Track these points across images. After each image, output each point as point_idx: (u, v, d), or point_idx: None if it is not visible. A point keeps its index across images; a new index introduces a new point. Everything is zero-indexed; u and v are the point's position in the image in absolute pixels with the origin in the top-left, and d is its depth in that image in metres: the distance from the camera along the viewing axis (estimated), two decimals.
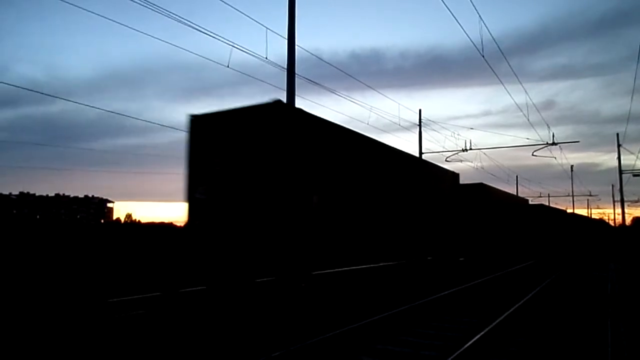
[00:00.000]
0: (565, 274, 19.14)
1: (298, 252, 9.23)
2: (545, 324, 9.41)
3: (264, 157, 9.06)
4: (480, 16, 13.76)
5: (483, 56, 14.73)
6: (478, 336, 7.43)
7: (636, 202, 56.02)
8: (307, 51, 16.11)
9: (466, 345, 6.83)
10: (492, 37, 15.25)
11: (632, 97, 39.87)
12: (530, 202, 36.73)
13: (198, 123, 10.09)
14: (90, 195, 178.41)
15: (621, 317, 9.12)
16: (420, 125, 30.26)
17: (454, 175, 19.33)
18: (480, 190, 22.73)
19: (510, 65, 18.35)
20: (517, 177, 57.50)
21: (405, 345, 7.41)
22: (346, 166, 11.17)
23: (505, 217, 26.27)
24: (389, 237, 12.56)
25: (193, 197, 9.86)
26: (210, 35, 12.53)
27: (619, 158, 35.84)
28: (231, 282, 9.23)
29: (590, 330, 8.68)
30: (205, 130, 9.93)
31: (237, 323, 8.07)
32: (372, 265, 12.17)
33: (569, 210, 58.18)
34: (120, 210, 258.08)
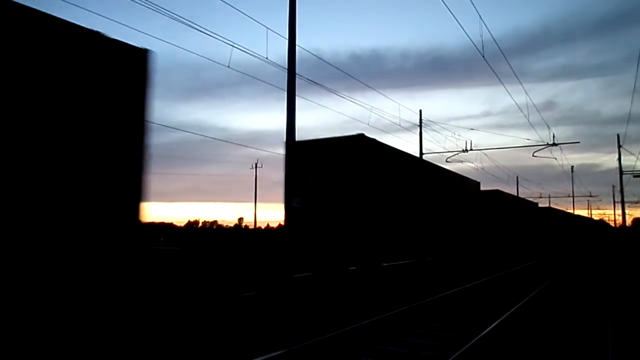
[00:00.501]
0: (567, 274, 19.19)
1: (370, 249, 11.98)
2: (547, 324, 9.39)
3: (347, 177, 11.79)
4: (480, 17, 13.76)
5: (483, 56, 14.72)
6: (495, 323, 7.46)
7: (636, 203, 56.05)
8: (307, 51, 16.11)
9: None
10: (493, 37, 15.26)
11: (632, 98, 39.82)
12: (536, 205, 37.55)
13: (294, 148, 12.68)
14: None
15: (622, 319, 9.10)
16: (420, 126, 30.26)
17: (477, 184, 22.02)
18: (496, 196, 25.23)
19: (510, 66, 18.35)
20: (517, 177, 57.58)
21: (454, 312, 10.40)
22: (402, 182, 13.93)
23: (517, 220, 28.45)
24: (429, 238, 15.43)
25: (290, 206, 12.35)
26: (211, 36, 12.53)
27: (619, 159, 35.88)
28: (331, 269, 11.75)
29: (590, 332, 8.66)
30: (300, 154, 12.50)
31: (339, 296, 10.95)
32: (413, 261, 14.59)
33: (569, 211, 58.23)
34: None
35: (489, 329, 7.89)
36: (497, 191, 25.72)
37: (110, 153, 5.41)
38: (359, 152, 11.87)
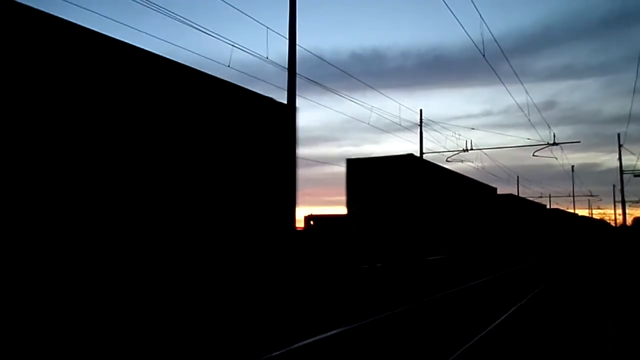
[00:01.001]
0: (567, 273, 19.25)
1: (416, 246, 14.78)
2: (548, 323, 9.40)
3: (398, 188, 14.74)
4: (481, 16, 13.76)
5: (484, 56, 14.73)
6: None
7: (637, 202, 56.09)
8: (308, 51, 16.12)
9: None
10: (493, 37, 15.25)
11: (632, 98, 39.79)
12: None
13: (353, 164, 15.75)
14: None
15: (622, 319, 9.11)
16: (421, 125, 30.26)
17: (494, 190, 25.25)
18: (511, 200, 28.28)
19: (511, 65, 18.35)
20: (517, 177, 57.58)
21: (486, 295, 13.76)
22: (439, 191, 16.84)
23: (528, 220, 31.22)
24: (457, 237, 18.45)
25: (351, 210, 15.33)
26: (211, 35, 12.54)
27: (619, 158, 35.88)
28: (396, 261, 14.31)
29: (591, 331, 8.67)
30: (359, 169, 15.50)
31: (404, 280, 14.05)
32: (445, 256, 17.14)
33: (574, 212, 58.28)
34: None
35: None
36: (511, 195, 28.82)
37: (280, 176, 8.07)
38: (407, 168, 14.92)
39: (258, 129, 7.67)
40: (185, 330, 6.06)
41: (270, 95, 8.08)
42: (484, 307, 11.67)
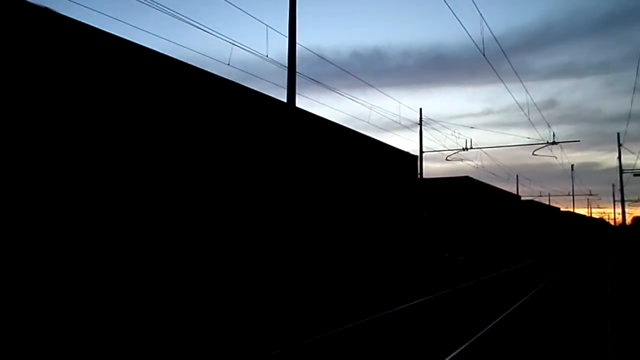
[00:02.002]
0: (568, 272, 19.36)
1: (468, 244, 19.62)
2: (548, 321, 9.41)
3: (456, 205, 20.42)
4: (481, 15, 13.72)
5: (484, 55, 14.70)
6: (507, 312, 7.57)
7: (636, 201, 56.09)
8: (308, 49, 16.10)
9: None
10: (494, 35, 15.22)
11: (632, 96, 39.77)
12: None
13: (424, 182, 21.34)
14: None
15: (621, 317, 9.11)
16: (420, 124, 30.23)
17: (519, 197, 30.12)
18: (530, 205, 32.33)
19: (511, 64, 18.33)
20: (517, 176, 57.58)
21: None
22: (489, 206, 22.87)
23: (542, 222, 35.09)
24: (493, 238, 23.23)
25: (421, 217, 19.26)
26: (211, 34, 12.51)
27: (619, 157, 35.83)
28: (458, 253, 19.66)
29: (590, 329, 8.67)
30: (427, 186, 21.32)
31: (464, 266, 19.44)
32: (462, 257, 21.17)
33: (582, 214, 58.42)
34: None
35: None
36: (531, 201, 33.53)
37: (411, 210, 13.62)
38: (464, 189, 20.45)
39: (398, 172, 12.98)
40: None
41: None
42: (522, 285, 15.78)
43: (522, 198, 41.66)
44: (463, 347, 6.94)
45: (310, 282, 8.84)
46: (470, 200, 20.34)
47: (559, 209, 43.39)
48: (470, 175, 22.60)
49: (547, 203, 52.22)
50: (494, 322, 8.71)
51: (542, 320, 9.72)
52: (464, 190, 20.52)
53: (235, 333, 6.98)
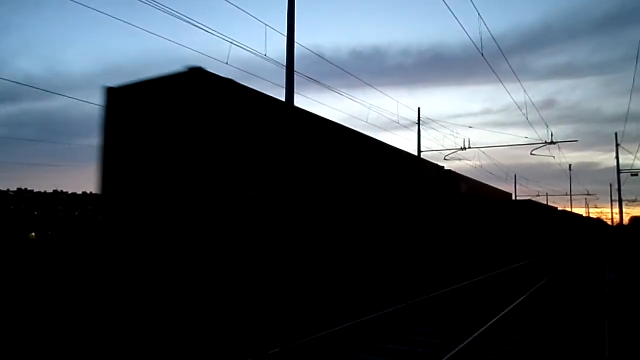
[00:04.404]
0: (565, 272, 19.42)
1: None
2: (545, 321, 9.44)
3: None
4: (479, 14, 13.73)
5: (482, 54, 14.71)
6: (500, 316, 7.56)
7: (634, 201, 56.20)
8: (307, 48, 16.07)
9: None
10: (492, 35, 15.24)
11: (630, 96, 39.88)
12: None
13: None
14: (88, 192, 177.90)
15: (618, 318, 9.14)
16: (419, 124, 30.24)
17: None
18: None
19: (509, 64, 18.35)
20: (515, 175, 57.64)
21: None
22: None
23: (541, 221, 34.68)
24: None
25: None
26: (209, 32, 12.49)
27: (617, 157, 35.89)
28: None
29: (588, 330, 8.70)
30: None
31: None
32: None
33: (567, 209, 58.53)
34: None
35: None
36: (529, 201, 34.67)
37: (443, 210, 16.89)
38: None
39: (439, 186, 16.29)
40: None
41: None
42: (516, 286, 15.51)
43: (520, 197, 42.25)
44: (463, 344, 6.95)
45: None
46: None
47: (556, 208, 43.53)
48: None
49: (545, 202, 52.34)
50: (492, 321, 8.72)
51: (539, 319, 9.74)
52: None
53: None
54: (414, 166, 14.40)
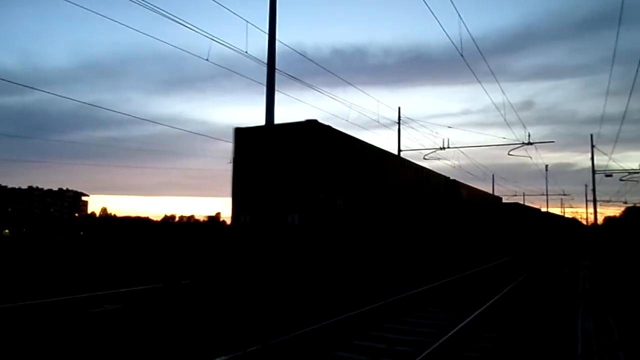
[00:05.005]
0: (541, 270, 19.82)
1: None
2: (522, 317, 9.60)
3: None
4: (460, 16, 13.88)
5: (462, 55, 14.87)
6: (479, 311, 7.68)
7: (608, 201, 57.42)
8: (288, 46, 16.04)
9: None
10: (471, 36, 15.41)
11: (606, 98, 40.70)
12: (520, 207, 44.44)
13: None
14: (64, 189, 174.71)
15: (591, 314, 9.34)
16: (399, 123, 30.45)
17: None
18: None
19: (489, 66, 18.58)
20: (493, 175, 58.47)
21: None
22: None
23: (526, 222, 37.81)
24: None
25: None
26: (189, 28, 12.37)
27: (592, 158, 36.66)
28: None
29: (561, 325, 8.88)
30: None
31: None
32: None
33: (543, 209, 59.61)
34: (95, 203, 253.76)
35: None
36: (517, 204, 38.57)
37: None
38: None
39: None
40: None
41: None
42: (495, 283, 16.03)
43: (487, 192, 43.41)
44: (453, 331, 7.03)
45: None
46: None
47: (539, 210, 44.39)
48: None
49: (523, 202, 53.23)
50: (471, 317, 8.83)
51: (517, 313, 9.92)
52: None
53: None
54: (431, 178, 18.72)
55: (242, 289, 10.65)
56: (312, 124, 10.86)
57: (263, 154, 11.37)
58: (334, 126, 11.62)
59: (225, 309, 9.73)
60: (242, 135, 11.78)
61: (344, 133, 11.90)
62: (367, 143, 13.21)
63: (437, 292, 13.05)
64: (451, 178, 21.42)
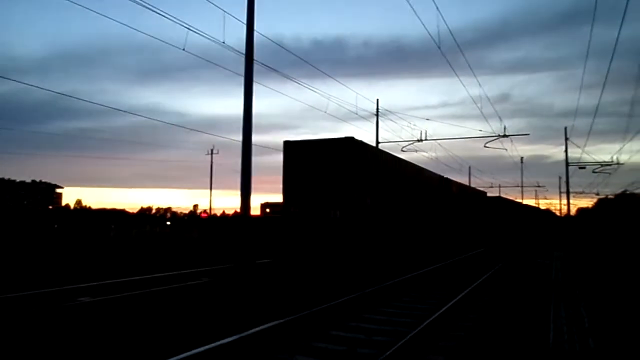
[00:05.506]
0: (515, 261, 20.16)
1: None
2: (496, 306, 9.79)
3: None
4: (437, 8, 13.96)
5: (439, 48, 14.97)
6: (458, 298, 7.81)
7: (581, 193, 58.75)
8: (266, 37, 15.90)
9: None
10: (449, 29, 15.54)
11: (579, 92, 41.54)
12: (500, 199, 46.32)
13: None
14: (37, 180, 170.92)
15: (563, 303, 9.58)
16: (377, 115, 30.52)
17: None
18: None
19: (466, 58, 18.78)
20: (469, 167, 59.25)
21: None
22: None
23: (506, 214, 40.11)
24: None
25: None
26: (165, 17, 12.15)
27: (566, 151, 37.40)
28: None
29: (534, 314, 9.09)
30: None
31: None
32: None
33: (518, 201, 60.71)
34: (69, 196, 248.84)
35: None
36: (499, 197, 42.53)
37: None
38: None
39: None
40: None
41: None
42: (470, 273, 16.29)
43: (474, 187, 43.81)
44: (431, 318, 7.13)
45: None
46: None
47: (520, 202, 45.80)
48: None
49: (498, 194, 54.10)
50: (450, 304, 8.98)
51: (491, 302, 10.11)
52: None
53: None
54: (430, 177, 22.17)
55: (296, 265, 14.28)
56: (349, 140, 14.45)
57: (308, 162, 14.80)
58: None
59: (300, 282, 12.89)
60: (291, 147, 15.18)
61: (371, 145, 16.91)
62: (387, 153, 18.03)
63: (419, 280, 13.74)
64: (445, 177, 24.81)
